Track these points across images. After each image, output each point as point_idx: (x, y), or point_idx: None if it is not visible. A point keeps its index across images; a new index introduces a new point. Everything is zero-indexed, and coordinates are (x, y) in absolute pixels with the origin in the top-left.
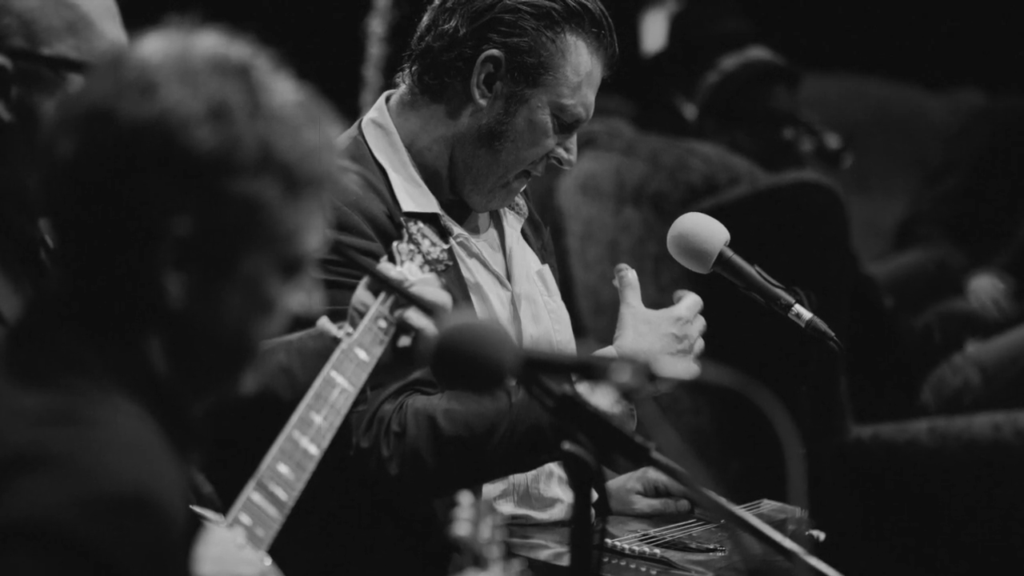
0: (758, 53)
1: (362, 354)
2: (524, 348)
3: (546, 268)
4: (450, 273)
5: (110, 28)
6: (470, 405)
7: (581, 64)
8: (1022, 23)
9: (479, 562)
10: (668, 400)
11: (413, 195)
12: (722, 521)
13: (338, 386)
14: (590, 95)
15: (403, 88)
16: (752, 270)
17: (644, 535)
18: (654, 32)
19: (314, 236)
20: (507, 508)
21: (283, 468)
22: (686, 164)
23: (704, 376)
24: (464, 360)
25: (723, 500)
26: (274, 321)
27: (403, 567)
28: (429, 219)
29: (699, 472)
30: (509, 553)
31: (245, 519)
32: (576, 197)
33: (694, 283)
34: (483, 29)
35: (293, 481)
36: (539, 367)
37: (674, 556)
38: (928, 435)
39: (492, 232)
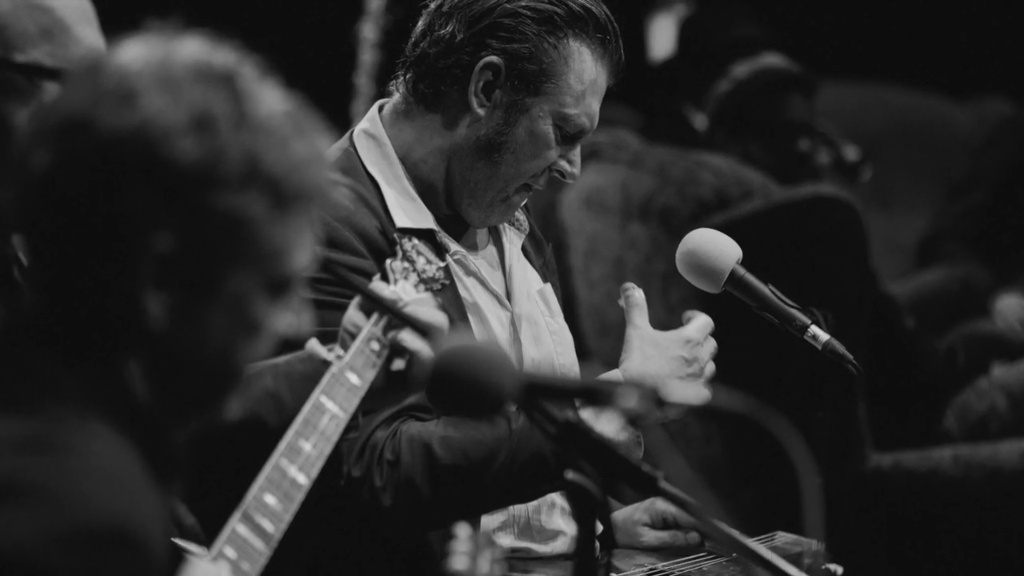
0: (772, 60)
1: (353, 378)
2: (525, 372)
3: (548, 287)
4: (447, 292)
5: (87, 33)
6: (468, 432)
7: (585, 71)
8: None
9: None
10: (677, 427)
11: (407, 210)
12: (734, 555)
13: (328, 412)
14: (594, 104)
15: (397, 97)
16: (766, 289)
17: (652, 569)
18: (662, 38)
19: (303, 253)
20: (507, 541)
21: (270, 498)
22: (696, 177)
23: (715, 401)
24: (461, 384)
25: (735, 532)
26: (260, 343)
27: None
28: (424, 235)
29: (710, 503)
30: None
31: (230, 552)
32: (580, 212)
33: (704, 303)
34: (482, 34)
35: (281, 512)
36: (541, 392)
37: None
38: (952, 463)
39: (491, 249)
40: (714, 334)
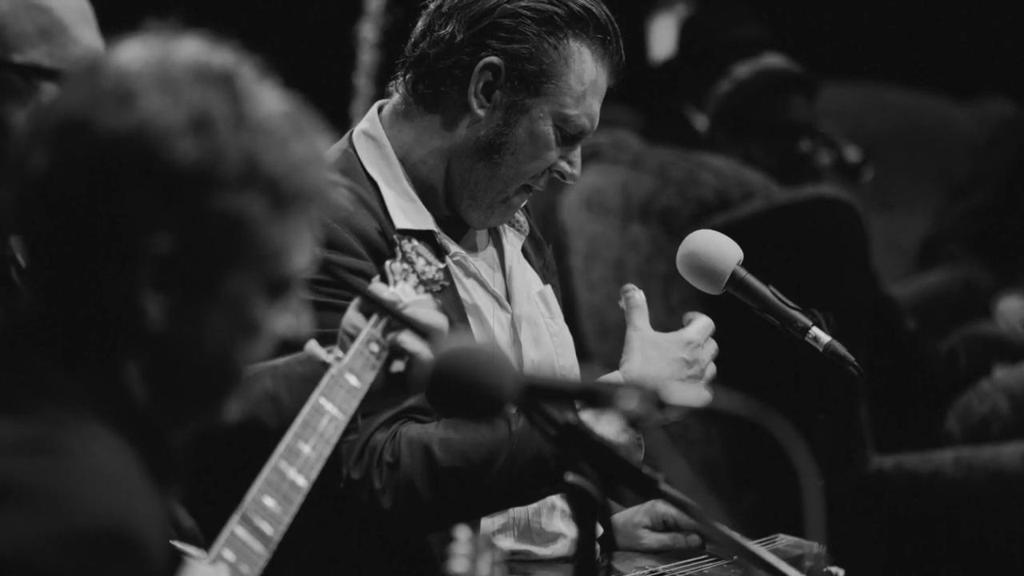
0: (773, 60)
1: (353, 380)
2: (525, 373)
3: (548, 288)
4: (446, 294)
5: (85, 34)
6: (468, 434)
7: (585, 72)
8: None
9: None
10: (678, 429)
11: (407, 211)
12: (735, 557)
13: (327, 414)
14: (595, 105)
15: (396, 97)
16: (767, 291)
17: (652, 572)
18: (663, 38)
19: (302, 255)
20: (507, 543)
21: (269, 501)
22: (697, 178)
23: (716, 403)
24: (461, 386)
25: (736, 535)
26: (259, 345)
27: None
28: (424, 236)
29: (710, 505)
30: None
31: (229, 555)
32: (580, 213)
33: (705, 304)
34: (481, 35)
35: (280, 515)
36: (541, 394)
37: None
38: (953, 466)
39: (491, 250)
40: (715, 336)
